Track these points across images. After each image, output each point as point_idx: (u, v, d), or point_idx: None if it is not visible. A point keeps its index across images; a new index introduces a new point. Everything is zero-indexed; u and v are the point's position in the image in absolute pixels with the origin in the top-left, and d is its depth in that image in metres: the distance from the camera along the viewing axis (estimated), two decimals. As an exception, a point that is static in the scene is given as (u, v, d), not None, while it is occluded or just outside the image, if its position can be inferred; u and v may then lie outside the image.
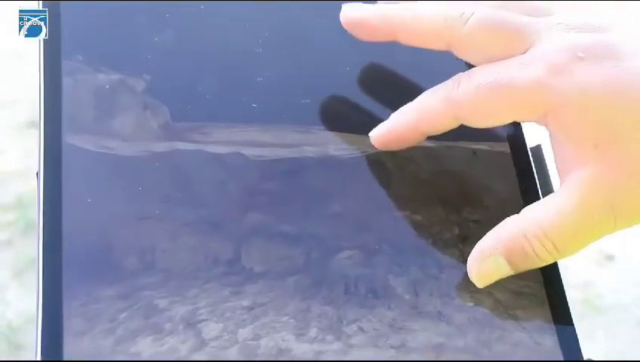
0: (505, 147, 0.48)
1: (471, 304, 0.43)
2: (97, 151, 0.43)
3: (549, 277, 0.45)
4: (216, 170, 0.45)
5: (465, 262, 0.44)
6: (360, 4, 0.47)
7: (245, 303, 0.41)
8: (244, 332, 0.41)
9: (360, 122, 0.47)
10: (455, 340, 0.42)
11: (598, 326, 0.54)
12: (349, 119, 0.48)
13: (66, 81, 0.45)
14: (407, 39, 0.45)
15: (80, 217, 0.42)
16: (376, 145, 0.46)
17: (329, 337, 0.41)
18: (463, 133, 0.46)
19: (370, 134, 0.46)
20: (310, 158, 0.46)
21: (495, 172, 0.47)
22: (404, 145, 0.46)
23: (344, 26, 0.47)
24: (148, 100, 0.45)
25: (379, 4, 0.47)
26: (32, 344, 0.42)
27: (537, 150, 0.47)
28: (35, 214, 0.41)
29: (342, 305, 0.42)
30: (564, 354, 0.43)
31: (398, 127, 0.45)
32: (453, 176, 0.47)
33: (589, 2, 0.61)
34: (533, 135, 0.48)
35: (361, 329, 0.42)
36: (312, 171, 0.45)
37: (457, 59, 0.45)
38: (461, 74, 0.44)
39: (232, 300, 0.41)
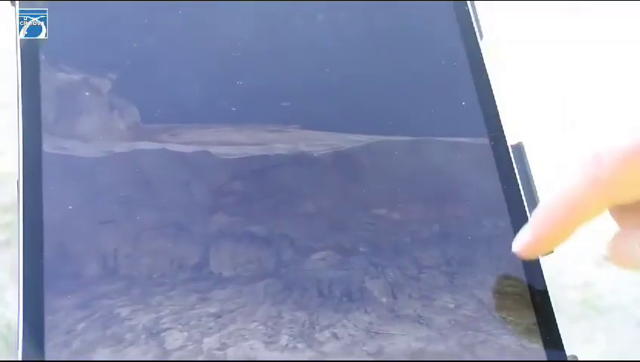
0: (485, 142, 0.46)
1: (452, 306, 0.41)
2: (53, 153, 0.41)
3: (533, 276, 0.43)
4: (180, 170, 0.42)
5: (446, 262, 0.42)
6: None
7: (212, 310, 0.39)
8: (210, 341, 0.39)
9: (338, 121, 0.45)
10: (436, 344, 0.40)
11: (597, 327, 0.51)
12: (327, 118, 0.45)
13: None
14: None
15: (36, 222, 0.40)
16: (522, 256, 0.40)
17: (300, 345, 0.39)
18: (441, 126, 0.44)
19: (513, 246, 0.40)
20: (281, 156, 0.43)
21: (475, 167, 0.45)
22: (554, 248, 0.40)
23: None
24: (115, 100, 0.43)
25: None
26: None
27: (518, 148, 0.45)
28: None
29: (315, 310, 0.40)
30: (548, 355, 0.41)
31: (547, 229, 0.39)
32: (432, 171, 0.45)
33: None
34: (514, 133, 0.46)
35: (334, 335, 0.39)
36: (282, 169, 0.43)
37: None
38: (595, 148, 0.38)
39: (198, 307, 0.39)
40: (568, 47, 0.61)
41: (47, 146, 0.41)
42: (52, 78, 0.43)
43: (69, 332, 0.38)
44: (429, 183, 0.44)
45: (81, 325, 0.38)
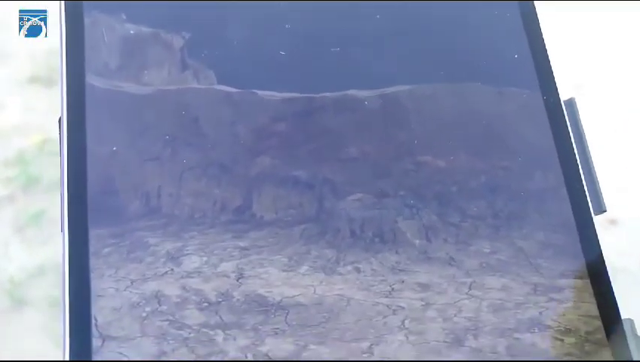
0: (536, 95, 0.44)
1: (488, 250, 0.40)
2: (102, 88, 0.41)
3: (585, 234, 0.42)
4: (225, 110, 0.42)
5: (493, 214, 0.41)
6: None
7: (241, 244, 0.39)
8: (226, 266, 0.39)
9: (384, 73, 0.44)
10: (459, 280, 0.40)
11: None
12: (375, 64, 0.45)
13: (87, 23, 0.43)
14: None
15: (80, 159, 0.40)
16: None
17: (318, 274, 0.39)
18: (492, 77, 0.43)
19: None
20: (326, 98, 0.43)
21: (526, 119, 0.44)
22: None
23: None
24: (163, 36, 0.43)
25: None
26: (35, 299, 0.41)
27: (571, 103, 0.44)
28: (36, 169, 0.40)
29: (344, 249, 0.40)
30: (602, 317, 0.40)
31: None
32: (480, 118, 0.44)
33: None
34: (566, 88, 0.45)
35: (356, 269, 0.39)
36: (327, 112, 0.43)
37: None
38: None
39: (228, 240, 0.39)
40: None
41: (93, 81, 0.41)
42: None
43: (94, 254, 0.38)
44: (477, 132, 0.43)
45: (107, 249, 0.38)
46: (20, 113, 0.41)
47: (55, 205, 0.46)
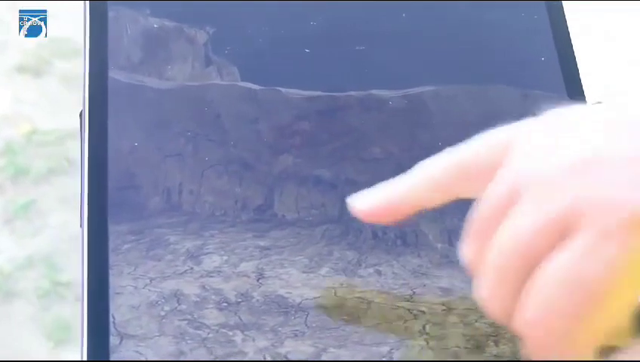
0: (563, 98, 0.44)
1: None
2: (124, 82, 0.41)
3: None
4: (248, 107, 0.42)
5: None
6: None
7: (262, 243, 0.39)
8: (246, 266, 0.38)
9: (409, 73, 0.44)
10: None
11: None
12: (399, 63, 0.44)
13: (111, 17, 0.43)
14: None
15: (101, 151, 0.40)
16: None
17: (339, 277, 0.39)
18: (517, 78, 0.42)
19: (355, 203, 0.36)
20: (350, 97, 0.42)
21: None
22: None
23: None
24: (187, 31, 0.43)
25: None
26: (24, 291, 0.41)
27: None
28: (24, 160, 0.40)
29: (366, 251, 0.39)
30: None
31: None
32: (504, 120, 0.43)
33: None
34: (593, 92, 0.44)
35: (378, 272, 0.39)
36: (351, 111, 0.42)
37: None
38: None
39: (249, 240, 0.39)
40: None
41: (115, 75, 0.41)
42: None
43: (113, 251, 0.38)
44: None
45: (126, 246, 0.38)
46: (7, 103, 0.41)
47: (45, 197, 0.46)
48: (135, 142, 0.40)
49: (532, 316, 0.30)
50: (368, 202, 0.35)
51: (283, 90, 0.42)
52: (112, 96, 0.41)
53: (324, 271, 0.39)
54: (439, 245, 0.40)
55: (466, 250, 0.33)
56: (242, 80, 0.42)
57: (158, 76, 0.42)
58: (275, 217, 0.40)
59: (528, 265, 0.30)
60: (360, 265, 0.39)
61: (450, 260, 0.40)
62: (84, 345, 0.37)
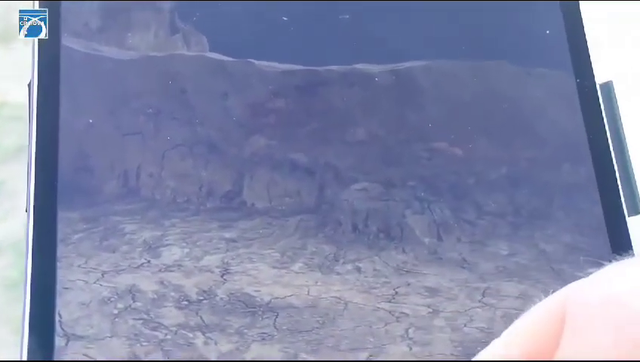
0: (569, 76, 0.41)
1: (505, 253, 0.38)
2: (80, 51, 0.38)
3: (618, 236, 0.39)
4: (218, 80, 0.39)
5: (514, 210, 0.38)
6: None
7: (228, 235, 0.37)
8: (210, 259, 0.36)
9: (399, 45, 0.41)
10: (471, 285, 0.37)
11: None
12: (386, 37, 0.41)
13: None
14: None
15: (52, 130, 0.37)
16: None
17: (313, 273, 0.36)
18: (515, 52, 0.40)
19: None
20: (332, 72, 0.39)
21: (555, 100, 0.41)
22: None
23: None
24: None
25: None
26: None
27: (607, 87, 0.41)
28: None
29: (345, 245, 0.37)
30: None
31: None
32: (504, 101, 0.40)
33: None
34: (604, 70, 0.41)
35: (357, 269, 0.37)
36: (332, 87, 0.39)
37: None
38: None
39: (214, 231, 0.37)
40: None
41: (69, 43, 0.38)
42: None
43: (62, 241, 0.36)
44: (500, 117, 0.40)
45: (77, 235, 0.36)
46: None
47: (14, 176, 0.43)
48: (90, 119, 0.37)
49: None
50: None
51: (256, 62, 0.39)
52: (65, 67, 0.38)
53: (297, 266, 0.36)
54: (427, 240, 0.38)
55: None
56: (211, 50, 0.39)
57: (118, 45, 0.39)
58: (243, 205, 0.37)
59: None
60: (338, 261, 0.37)
61: (438, 257, 0.37)
62: (25, 346, 0.34)
